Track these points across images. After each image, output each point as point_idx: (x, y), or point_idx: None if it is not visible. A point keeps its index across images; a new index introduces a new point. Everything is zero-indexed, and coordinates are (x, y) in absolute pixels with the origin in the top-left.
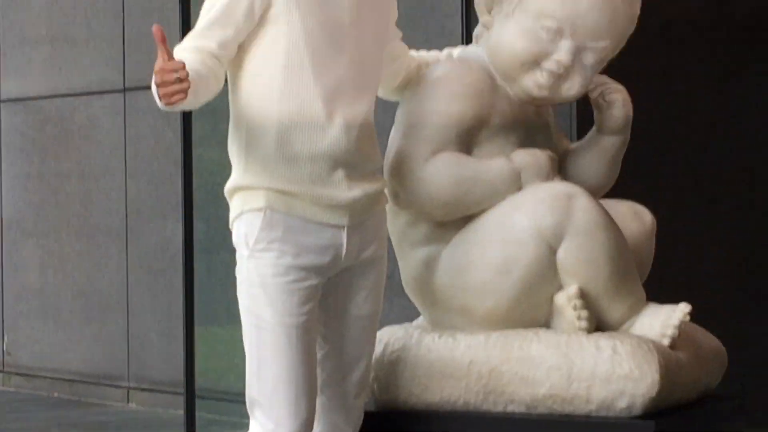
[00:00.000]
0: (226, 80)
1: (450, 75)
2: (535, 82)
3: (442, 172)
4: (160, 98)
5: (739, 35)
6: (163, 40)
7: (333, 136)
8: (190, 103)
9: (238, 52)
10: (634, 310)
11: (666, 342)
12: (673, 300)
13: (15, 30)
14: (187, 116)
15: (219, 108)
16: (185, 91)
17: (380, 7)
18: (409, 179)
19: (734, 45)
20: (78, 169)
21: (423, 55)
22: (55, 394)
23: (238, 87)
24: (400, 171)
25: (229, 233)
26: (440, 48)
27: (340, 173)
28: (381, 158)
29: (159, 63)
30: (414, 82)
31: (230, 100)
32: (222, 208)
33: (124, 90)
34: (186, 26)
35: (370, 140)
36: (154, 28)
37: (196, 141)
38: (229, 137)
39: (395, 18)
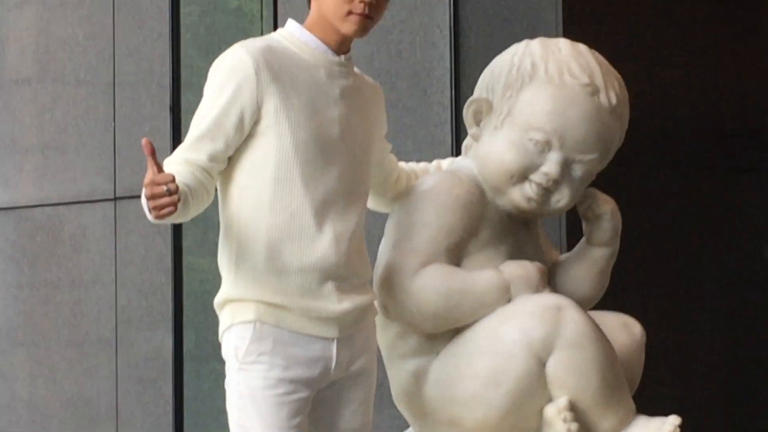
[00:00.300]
0: (216, 191)
1: (439, 187)
2: (523, 194)
3: (431, 285)
4: (150, 211)
5: (730, 144)
6: (153, 153)
7: (323, 248)
8: (180, 215)
9: (228, 164)
10: (624, 423)
11: None
12: (663, 412)
13: (6, 139)
14: (177, 225)
15: (209, 217)
16: (175, 204)
17: (369, 119)
18: (399, 291)
19: (725, 153)
20: (68, 278)
21: (413, 166)
22: None
23: (228, 199)
24: (390, 283)
25: (219, 342)
26: (430, 158)
27: (329, 285)
28: (371, 270)
29: (149, 176)
30: (404, 193)
31: (220, 212)
32: (212, 316)
33: (115, 199)
34: (176, 137)
35: (360, 252)
36: (144, 141)
37: (187, 250)
38: (219, 249)
39: (385, 130)
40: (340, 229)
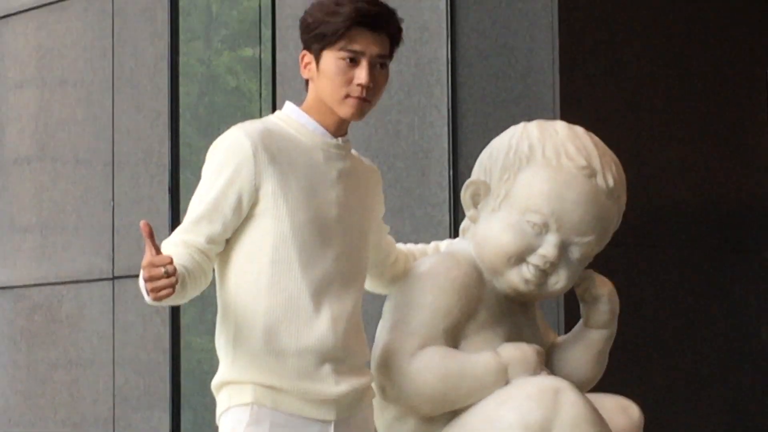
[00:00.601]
0: (214, 272)
1: (437, 269)
2: (521, 276)
3: (429, 367)
4: (147, 293)
5: (727, 225)
6: (151, 235)
7: (320, 330)
8: (178, 297)
9: (226, 246)
10: None
11: None
12: None
13: (4, 218)
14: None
15: (207, 296)
16: (173, 287)
17: (366, 201)
18: (396, 374)
19: (722, 234)
20: (66, 358)
21: (410, 247)
22: None
23: (226, 281)
24: (388, 365)
25: (217, 423)
26: (428, 238)
27: (327, 368)
28: (368, 352)
29: (147, 258)
30: (401, 275)
31: (218, 294)
32: (210, 396)
33: (113, 278)
34: (175, 216)
35: (358, 334)
36: (142, 223)
37: (185, 328)
38: (216, 331)
39: (382, 212)
40: (337, 311)
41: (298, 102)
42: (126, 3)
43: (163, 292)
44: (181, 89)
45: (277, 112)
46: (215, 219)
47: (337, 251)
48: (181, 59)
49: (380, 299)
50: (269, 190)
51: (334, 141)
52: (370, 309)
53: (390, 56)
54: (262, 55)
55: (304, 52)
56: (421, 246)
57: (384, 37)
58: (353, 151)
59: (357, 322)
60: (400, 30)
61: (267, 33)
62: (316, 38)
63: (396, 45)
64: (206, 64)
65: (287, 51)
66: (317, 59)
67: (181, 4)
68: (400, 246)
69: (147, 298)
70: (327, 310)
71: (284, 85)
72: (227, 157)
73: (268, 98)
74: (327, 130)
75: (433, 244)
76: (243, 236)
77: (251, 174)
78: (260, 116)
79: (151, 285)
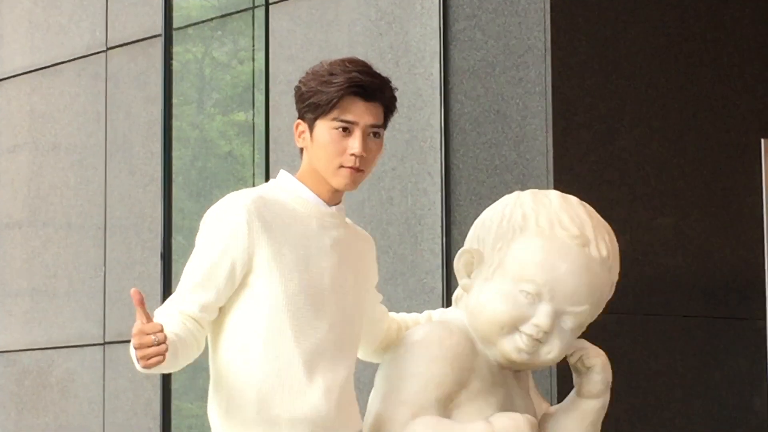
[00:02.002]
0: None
1: (429, 338)
2: (514, 345)
3: None
4: (138, 361)
5: (720, 293)
6: (141, 303)
7: (313, 400)
8: (169, 365)
9: (219, 314)
10: None
11: None
12: None
13: None
14: None
15: (198, 361)
16: (163, 354)
17: (360, 270)
18: None
19: (715, 302)
20: (56, 424)
21: (403, 316)
22: None
23: (219, 349)
24: None
25: None
26: (420, 305)
27: None
28: (361, 421)
29: (137, 325)
30: (394, 344)
31: (210, 362)
32: None
33: (104, 343)
34: (167, 282)
35: (350, 404)
36: (132, 291)
37: (175, 394)
38: (209, 398)
39: (376, 281)
40: (330, 381)
41: (292, 168)
42: (119, 67)
43: (153, 360)
44: (174, 153)
45: (271, 181)
46: (208, 287)
47: (331, 320)
48: (174, 123)
49: (373, 368)
50: (263, 259)
51: (328, 210)
52: (363, 377)
53: (384, 125)
54: (256, 120)
55: (298, 121)
56: (413, 315)
57: (378, 107)
58: (347, 220)
59: (350, 391)
60: (394, 99)
61: (261, 98)
62: (309, 108)
63: (390, 114)
64: (199, 128)
65: (281, 116)
66: (311, 129)
67: (174, 68)
68: (393, 315)
69: (137, 366)
70: (320, 379)
71: (277, 151)
72: (221, 226)
73: (261, 163)
74: (321, 198)
75: (425, 313)
76: (236, 304)
77: (245, 243)
78: (253, 181)
79: (141, 353)
